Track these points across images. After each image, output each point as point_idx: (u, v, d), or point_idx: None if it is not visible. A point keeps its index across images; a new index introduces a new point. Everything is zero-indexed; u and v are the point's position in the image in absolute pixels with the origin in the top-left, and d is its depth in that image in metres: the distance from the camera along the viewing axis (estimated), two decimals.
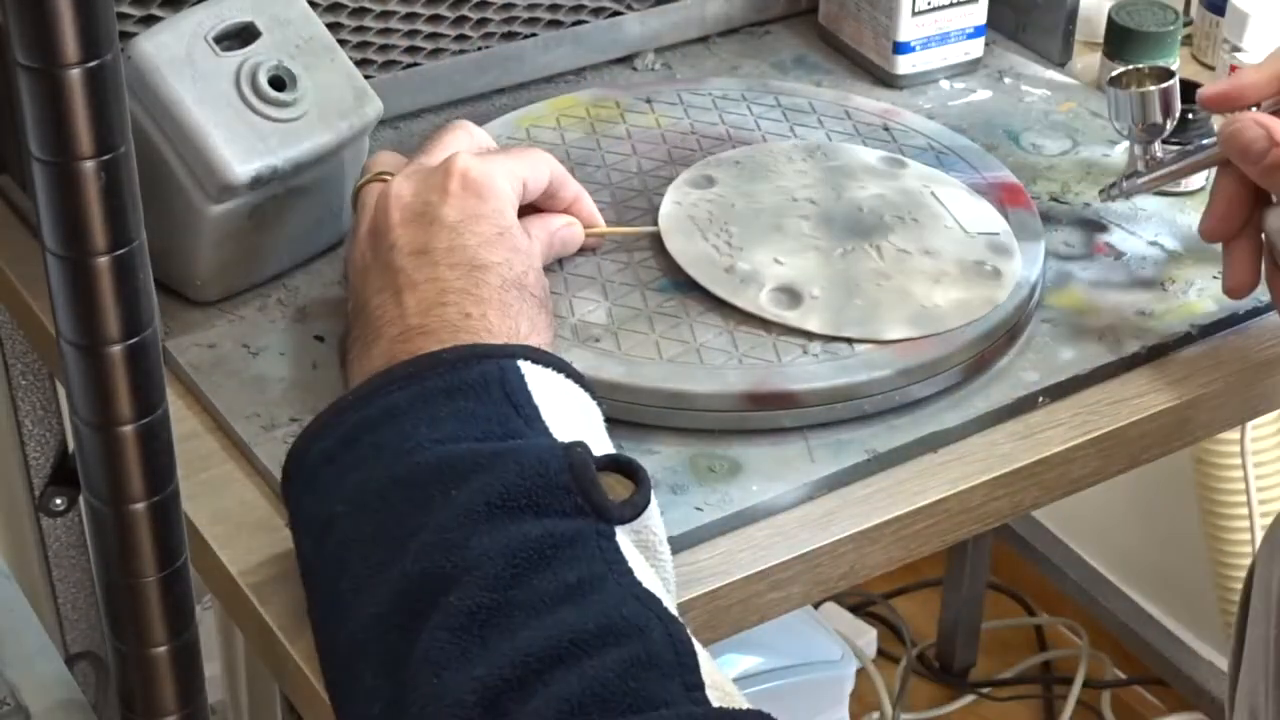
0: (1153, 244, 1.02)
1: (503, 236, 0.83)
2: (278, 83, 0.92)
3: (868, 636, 1.89)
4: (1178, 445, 0.94)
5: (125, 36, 0.87)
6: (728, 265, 0.92)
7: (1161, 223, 1.03)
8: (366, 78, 0.97)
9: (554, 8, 1.14)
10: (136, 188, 0.65)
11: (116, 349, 0.66)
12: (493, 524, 0.68)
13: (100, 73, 0.61)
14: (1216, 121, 0.99)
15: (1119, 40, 1.13)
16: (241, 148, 0.90)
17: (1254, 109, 0.91)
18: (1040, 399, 0.91)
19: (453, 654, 0.65)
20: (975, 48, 1.18)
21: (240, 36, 0.92)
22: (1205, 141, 0.96)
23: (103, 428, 0.68)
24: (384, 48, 1.09)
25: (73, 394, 0.68)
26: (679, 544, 0.81)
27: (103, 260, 0.64)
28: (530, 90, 1.15)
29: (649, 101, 1.09)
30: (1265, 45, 1.13)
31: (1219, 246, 0.96)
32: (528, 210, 0.91)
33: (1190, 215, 1.03)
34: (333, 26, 1.02)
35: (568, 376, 0.77)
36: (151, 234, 0.67)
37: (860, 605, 1.95)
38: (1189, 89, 0.99)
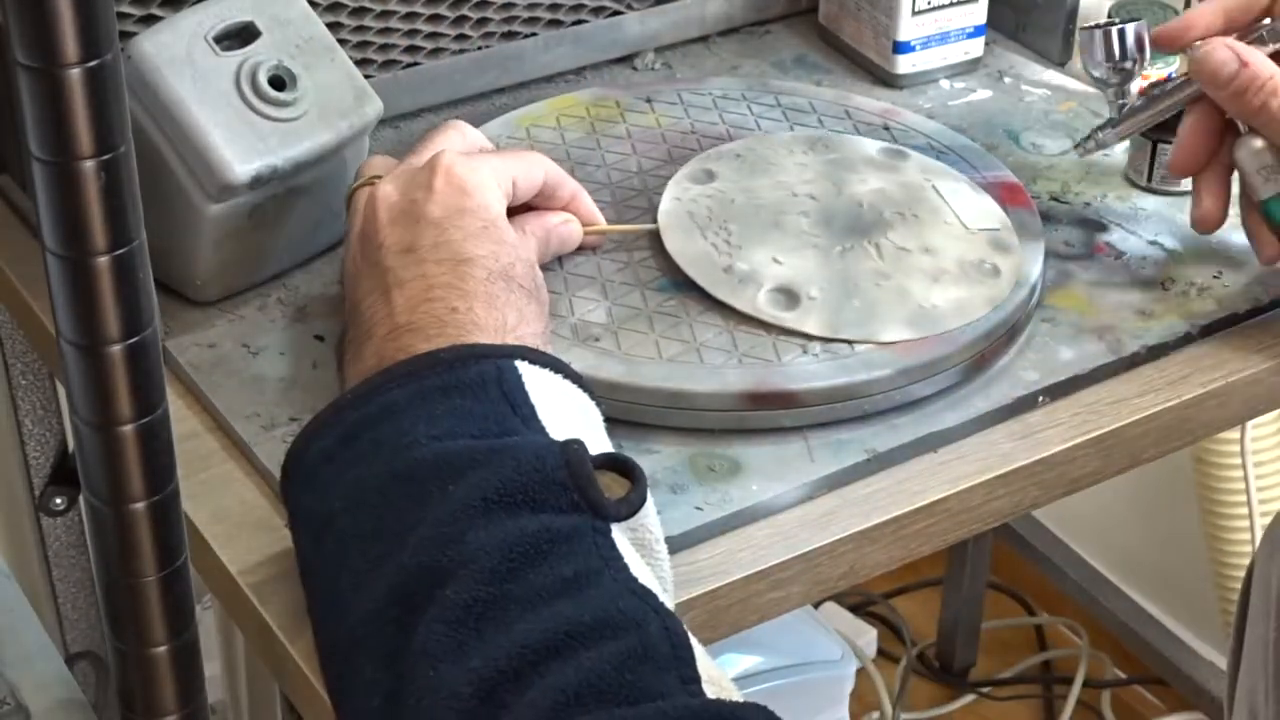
0: (1153, 243, 1.02)
1: (488, 230, 0.83)
2: (278, 82, 0.92)
3: (868, 636, 1.89)
4: (1178, 445, 0.94)
5: (125, 36, 0.87)
6: (726, 265, 0.92)
7: (1161, 222, 1.03)
8: (366, 77, 0.97)
9: (554, 7, 1.14)
10: (136, 187, 0.65)
11: (116, 349, 0.66)
12: (489, 519, 0.68)
13: (100, 72, 0.61)
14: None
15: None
16: (241, 147, 0.90)
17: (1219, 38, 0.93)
18: (1040, 399, 0.91)
19: (449, 646, 0.65)
20: (975, 47, 1.18)
21: (240, 36, 0.92)
22: (1173, 83, 0.97)
23: (103, 427, 0.68)
24: (384, 47, 1.09)
25: (73, 394, 0.68)
26: (679, 543, 0.81)
27: (103, 260, 0.64)
28: (530, 90, 1.15)
29: (649, 101, 1.09)
30: None
31: (1218, 246, 0.97)
32: (526, 210, 0.91)
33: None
34: (333, 26, 1.02)
35: (565, 377, 0.77)
36: (151, 234, 0.67)
37: (860, 605, 1.95)
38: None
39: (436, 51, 1.11)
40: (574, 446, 0.71)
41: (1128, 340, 0.94)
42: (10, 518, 1.29)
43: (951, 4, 1.15)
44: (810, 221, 0.96)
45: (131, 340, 0.67)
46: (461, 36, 1.12)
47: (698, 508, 0.83)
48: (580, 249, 0.94)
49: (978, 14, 1.16)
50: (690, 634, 0.66)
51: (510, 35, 1.13)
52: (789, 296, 0.91)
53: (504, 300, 0.80)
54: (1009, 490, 0.88)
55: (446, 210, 0.83)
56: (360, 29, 1.08)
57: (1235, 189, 0.97)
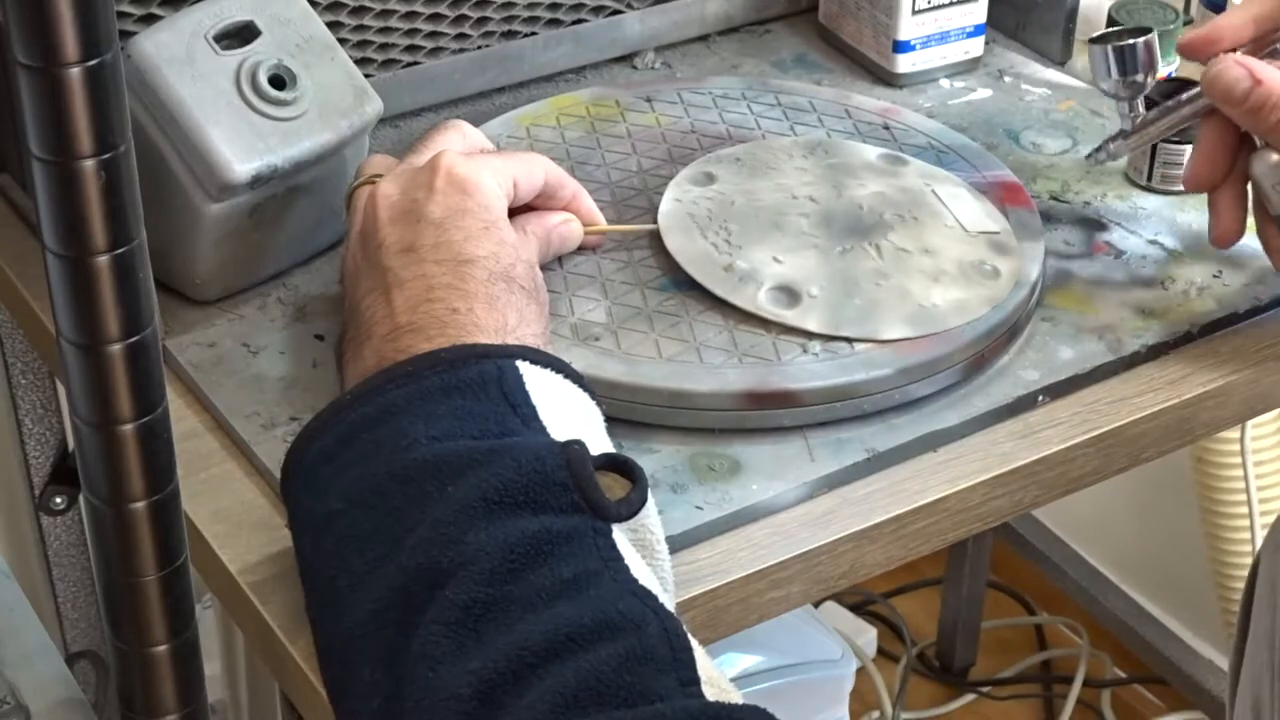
0: (1153, 243, 1.02)
1: (489, 230, 0.83)
2: (278, 81, 0.92)
3: (868, 635, 1.89)
4: (1177, 445, 0.94)
5: (125, 35, 0.87)
6: (726, 264, 0.92)
7: (1161, 222, 1.03)
8: (366, 76, 0.97)
9: (554, 6, 1.14)
10: (136, 187, 0.65)
11: (116, 348, 0.66)
12: (489, 519, 0.68)
13: (100, 72, 0.61)
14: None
15: None
16: (241, 146, 0.90)
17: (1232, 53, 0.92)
18: (1040, 398, 0.91)
19: (448, 648, 0.65)
20: (975, 46, 1.18)
21: (240, 35, 0.92)
22: (1186, 95, 0.96)
23: (103, 427, 0.68)
24: (384, 46, 1.09)
25: (73, 393, 0.68)
26: (679, 543, 0.81)
27: (103, 259, 0.64)
28: (530, 89, 1.15)
29: (649, 100, 1.09)
30: None
31: (1218, 246, 0.97)
32: (527, 210, 0.91)
33: (1190, 214, 1.03)
34: (332, 25, 1.02)
35: (566, 377, 0.77)
36: (151, 233, 0.67)
37: (860, 604, 1.95)
38: (1184, 86, 1.00)
39: (436, 51, 1.11)
40: (574, 447, 0.71)
41: (1128, 340, 0.94)
42: (10, 517, 1.29)
43: (951, 3, 1.15)
44: (810, 223, 0.96)
45: (131, 339, 0.67)
46: (461, 36, 1.12)
47: (698, 507, 0.83)
48: (580, 249, 0.95)
49: (978, 13, 1.16)
50: (690, 635, 0.66)
51: (510, 34, 1.14)
52: (789, 295, 0.91)
53: (504, 301, 0.80)
54: (1009, 490, 0.88)
55: (447, 210, 0.83)
56: (360, 28, 1.08)
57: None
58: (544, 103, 1.09)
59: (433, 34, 1.11)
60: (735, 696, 0.65)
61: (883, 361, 0.88)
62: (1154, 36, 0.97)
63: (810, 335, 0.89)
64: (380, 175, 0.88)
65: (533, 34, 1.14)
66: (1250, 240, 0.97)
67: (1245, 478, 1.66)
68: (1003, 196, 1.00)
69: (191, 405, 0.91)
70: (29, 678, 0.87)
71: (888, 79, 1.17)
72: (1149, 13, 1.13)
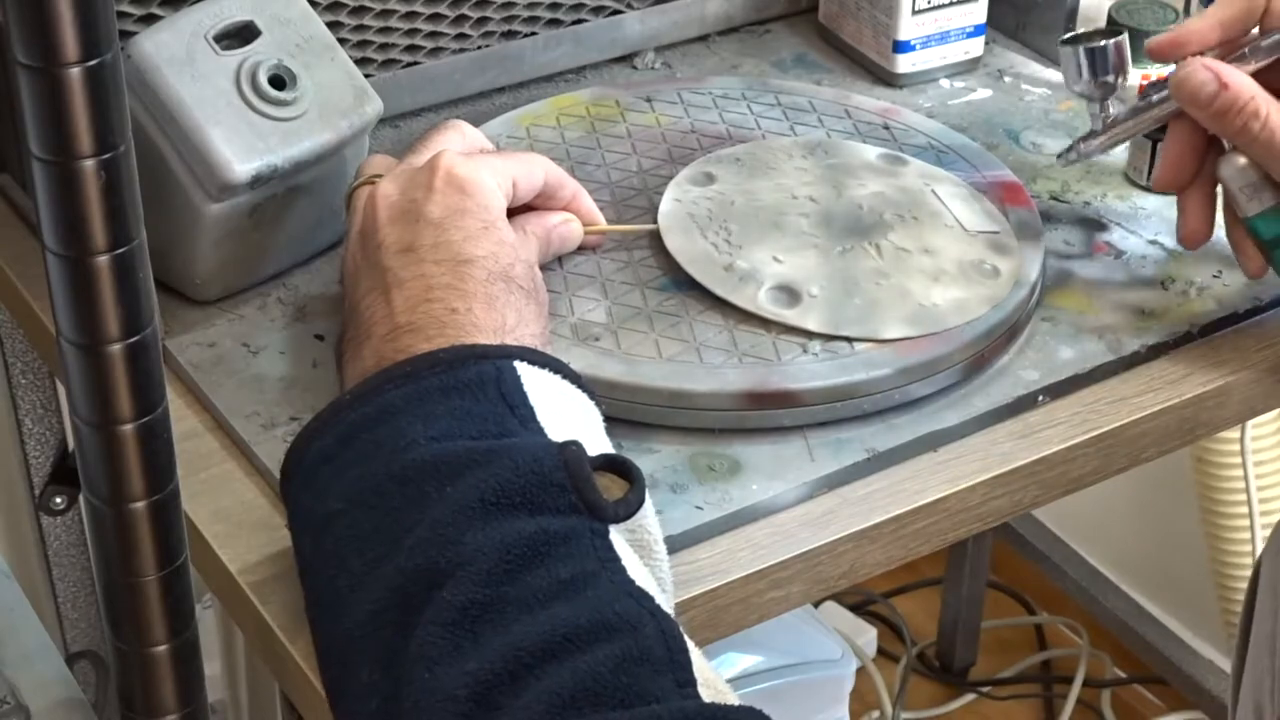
0: (1153, 243, 1.02)
1: (488, 230, 0.83)
2: (278, 82, 0.92)
3: (868, 635, 1.89)
4: (1178, 445, 0.94)
5: (125, 35, 0.87)
6: (727, 263, 0.92)
7: (1161, 221, 1.03)
8: (366, 76, 0.97)
9: (554, 6, 1.14)
10: (136, 187, 0.65)
11: (116, 348, 0.66)
12: (487, 520, 0.68)
13: (100, 72, 0.61)
14: None
15: None
16: (241, 146, 0.90)
17: (1200, 56, 0.92)
18: (1040, 398, 0.91)
19: (445, 649, 0.65)
20: (975, 46, 1.18)
21: (240, 35, 0.92)
22: (1157, 96, 0.96)
23: (103, 427, 0.68)
24: (384, 46, 1.09)
25: (73, 393, 0.68)
26: (679, 543, 0.82)
27: (103, 259, 0.64)
28: (530, 89, 1.15)
29: (649, 100, 1.09)
30: None
31: (1218, 246, 0.97)
32: (526, 210, 0.91)
33: None
34: (332, 25, 1.02)
35: (565, 377, 0.77)
36: (151, 233, 0.67)
37: (860, 604, 1.95)
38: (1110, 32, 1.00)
39: (436, 51, 1.11)
40: (572, 448, 0.71)
41: (1128, 340, 0.94)
42: (10, 517, 1.29)
43: (951, 3, 1.15)
44: (810, 222, 0.96)
45: (131, 339, 0.67)
46: (461, 36, 1.12)
47: (698, 507, 0.83)
48: (580, 249, 0.95)
49: (978, 13, 1.16)
50: (686, 637, 0.66)
51: (510, 34, 1.14)
52: (790, 294, 0.91)
53: (503, 301, 0.80)
54: (1009, 489, 0.88)
55: (446, 210, 0.83)
56: (360, 28, 1.08)
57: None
58: (544, 103, 1.09)
59: (433, 34, 1.11)
60: (731, 698, 0.65)
61: (883, 361, 0.88)
62: (1124, 38, 0.98)
63: (810, 335, 0.89)
64: (380, 175, 0.88)
65: (533, 34, 1.14)
66: None
67: (1245, 478, 1.66)
68: (1003, 196, 1.00)
69: (191, 405, 0.91)
70: (29, 678, 0.87)
71: (888, 79, 1.17)
72: (1148, 13, 1.13)
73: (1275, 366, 0.95)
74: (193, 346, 0.93)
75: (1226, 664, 1.75)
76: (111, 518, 0.71)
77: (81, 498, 0.88)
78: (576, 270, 0.94)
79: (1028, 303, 0.94)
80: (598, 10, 1.16)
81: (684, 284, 0.93)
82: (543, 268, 0.90)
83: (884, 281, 0.92)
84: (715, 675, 0.66)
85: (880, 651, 1.91)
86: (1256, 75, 0.91)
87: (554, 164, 0.92)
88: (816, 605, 1.82)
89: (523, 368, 0.76)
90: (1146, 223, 1.03)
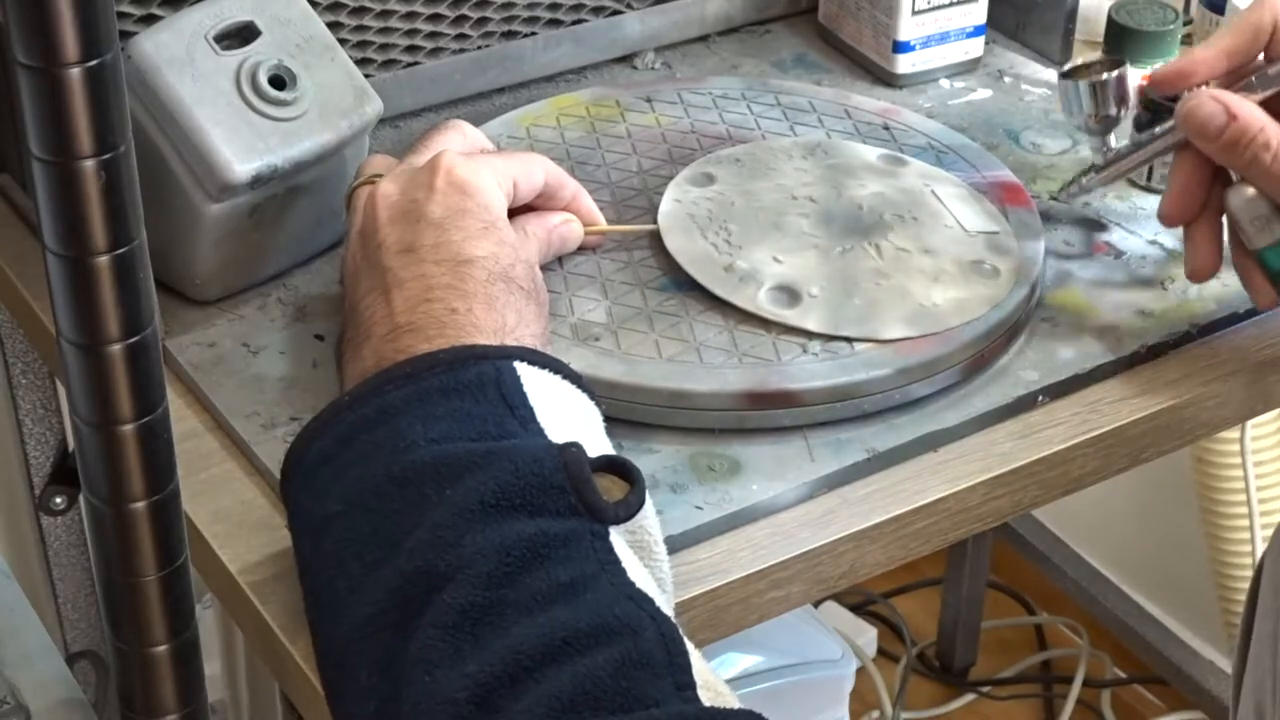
0: (1152, 243, 1.02)
1: (488, 230, 0.83)
2: (278, 82, 0.92)
3: (868, 635, 1.89)
4: (1177, 444, 0.94)
5: (125, 36, 0.87)
6: (727, 264, 0.92)
7: None
8: (366, 77, 0.97)
9: (554, 6, 1.14)
10: (137, 187, 0.65)
11: (116, 348, 0.66)
12: (486, 522, 0.68)
13: (100, 72, 0.61)
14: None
15: (1118, 39, 1.13)
16: (241, 147, 0.90)
17: (1205, 87, 0.91)
18: (1040, 398, 0.91)
19: (445, 651, 0.65)
20: (975, 47, 1.18)
21: (240, 36, 0.92)
22: (1160, 129, 0.95)
23: (103, 427, 0.68)
24: (384, 47, 1.09)
25: (73, 393, 0.68)
26: (679, 543, 0.82)
27: (103, 259, 0.64)
28: (530, 89, 1.15)
29: (649, 100, 1.09)
30: None
31: (1194, 280, 0.96)
32: (527, 211, 0.91)
33: None
34: (333, 26, 1.02)
35: (565, 378, 0.77)
36: (151, 233, 0.67)
37: (860, 604, 1.95)
38: (1113, 63, 0.99)
39: (436, 51, 1.11)
40: (572, 449, 0.71)
41: (1128, 340, 0.94)
42: (10, 517, 1.29)
43: (951, 4, 1.15)
44: (810, 223, 0.96)
45: (132, 340, 0.67)
46: (461, 36, 1.12)
47: (698, 507, 0.83)
48: (581, 249, 0.94)
49: (977, 14, 1.16)
50: (686, 639, 0.66)
51: (510, 34, 1.14)
52: (790, 295, 0.91)
53: (503, 301, 0.80)
54: (1009, 489, 0.88)
55: (447, 210, 0.83)
56: (360, 28, 1.08)
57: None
58: (544, 103, 1.09)
59: (433, 34, 1.11)
60: (731, 700, 0.65)
61: (883, 361, 0.88)
62: (1126, 69, 0.97)
63: (810, 335, 0.89)
64: (380, 175, 0.88)
65: (533, 34, 1.14)
66: None
67: (1245, 478, 1.66)
68: (1003, 197, 1.00)
69: (191, 405, 0.91)
70: (29, 678, 0.87)
71: (888, 79, 1.17)
72: (1149, 12, 1.13)
73: (1275, 366, 0.95)
74: (193, 347, 0.93)
75: (1227, 664, 1.75)
76: (112, 518, 0.71)
77: (81, 498, 0.88)
78: (577, 270, 0.94)
79: (1028, 303, 0.94)
80: (598, 10, 1.16)
81: (684, 284, 0.93)
82: (543, 268, 0.90)
83: (884, 281, 0.92)
84: (715, 677, 0.66)
85: (880, 651, 1.91)
86: (1263, 104, 0.90)
87: (554, 164, 0.92)
88: (816, 605, 1.82)
89: (523, 368, 0.75)
90: (1146, 223, 1.03)
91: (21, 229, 1.03)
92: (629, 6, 1.17)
